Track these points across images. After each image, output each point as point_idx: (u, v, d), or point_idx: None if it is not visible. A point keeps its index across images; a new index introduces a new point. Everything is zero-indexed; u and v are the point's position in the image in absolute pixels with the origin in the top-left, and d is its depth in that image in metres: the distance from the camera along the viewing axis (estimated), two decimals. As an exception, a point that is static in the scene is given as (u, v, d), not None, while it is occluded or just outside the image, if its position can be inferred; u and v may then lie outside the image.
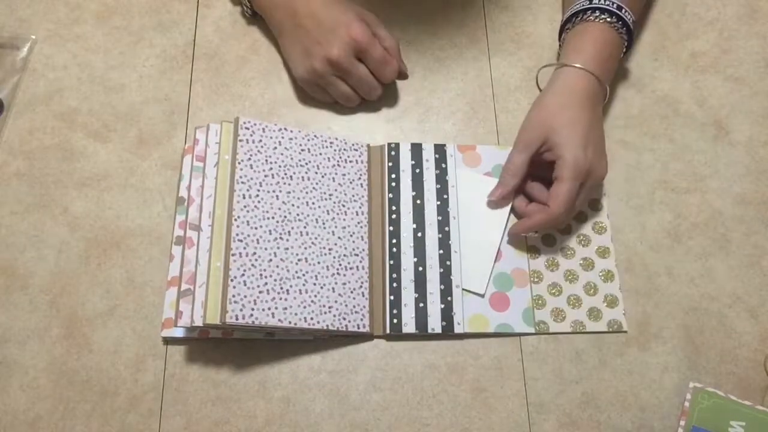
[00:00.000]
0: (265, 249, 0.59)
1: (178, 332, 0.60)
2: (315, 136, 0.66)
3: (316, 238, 0.61)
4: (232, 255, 0.58)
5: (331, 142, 0.66)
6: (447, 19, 0.75)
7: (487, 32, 0.75)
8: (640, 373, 0.62)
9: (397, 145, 0.68)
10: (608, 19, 0.63)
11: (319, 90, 0.69)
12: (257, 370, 0.61)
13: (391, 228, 0.64)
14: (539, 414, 0.60)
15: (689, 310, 0.64)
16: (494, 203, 0.66)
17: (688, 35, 0.75)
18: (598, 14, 0.64)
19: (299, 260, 0.60)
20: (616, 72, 0.72)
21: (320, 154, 0.65)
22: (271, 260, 0.59)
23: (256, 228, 0.60)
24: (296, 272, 0.59)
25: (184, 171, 0.66)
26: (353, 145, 0.67)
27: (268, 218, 0.61)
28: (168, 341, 0.61)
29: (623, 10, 0.64)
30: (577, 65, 0.63)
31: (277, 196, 0.62)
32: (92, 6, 0.75)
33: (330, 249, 0.62)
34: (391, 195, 0.66)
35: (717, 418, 0.58)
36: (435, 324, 0.61)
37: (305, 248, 0.61)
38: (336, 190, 0.64)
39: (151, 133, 0.69)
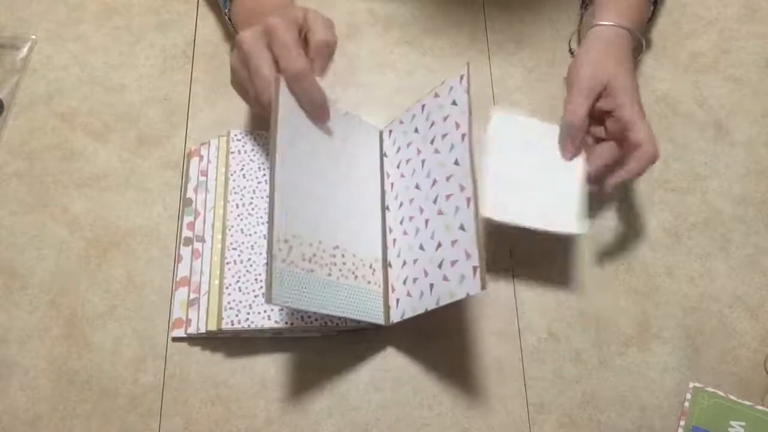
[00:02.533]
0: (260, 254, 0.60)
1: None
2: None
3: None
4: (227, 263, 0.60)
5: None
6: (447, 19, 0.75)
7: (487, 32, 0.75)
8: (640, 373, 0.62)
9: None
10: None
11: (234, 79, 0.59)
12: (257, 370, 0.61)
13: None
14: (539, 414, 0.60)
15: (689, 310, 0.64)
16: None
17: (688, 35, 0.75)
18: None
19: None
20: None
21: None
22: (266, 264, 0.60)
23: (250, 235, 0.61)
24: None
25: (191, 173, 0.66)
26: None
27: (263, 223, 0.62)
28: (177, 341, 0.61)
29: None
30: (621, 25, 0.64)
31: None
32: (92, 6, 0.75)
33: None
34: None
35: (717, 418, 0.58)
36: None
37: None
38: None
39: (151, 133, 0.69)
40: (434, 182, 0.59)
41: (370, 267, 0.60)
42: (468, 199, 0.54)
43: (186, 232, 0.64)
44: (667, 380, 0.61)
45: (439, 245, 0.56)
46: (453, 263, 0.54)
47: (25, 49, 0.72)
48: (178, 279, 0.63)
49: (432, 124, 0.61)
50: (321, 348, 0.62)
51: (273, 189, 0.53)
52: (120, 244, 0.65)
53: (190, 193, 0.66)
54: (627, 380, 0.61)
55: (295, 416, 0.59)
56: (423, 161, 0.61)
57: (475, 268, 0.51)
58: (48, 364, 0.60)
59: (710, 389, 0.60)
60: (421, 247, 0.58)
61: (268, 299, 0.50)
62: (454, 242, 0.54)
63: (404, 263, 0.60)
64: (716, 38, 0.75)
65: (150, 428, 0.59)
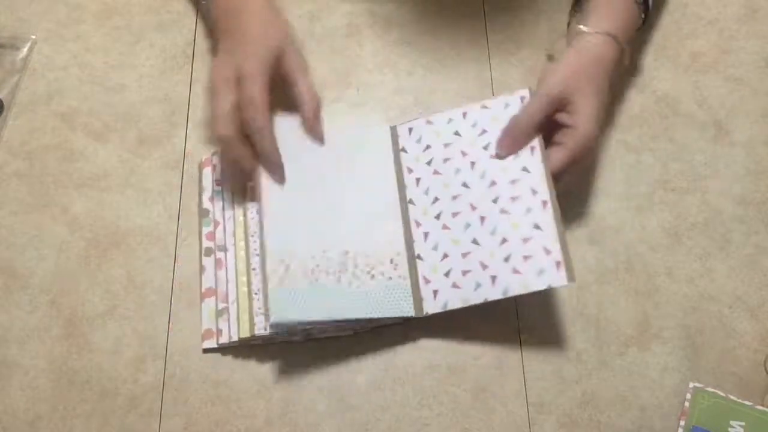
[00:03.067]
0: None
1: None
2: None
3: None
4: (253, 269, 0.60)
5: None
6: (447, 19, 0.75)
7: (487, 32, 0.75)
8: (640, 373, 0.62)
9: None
10: None
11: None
12: (257, 370, 0.61)
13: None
14: (539, 414, 0.60)
15: (689, 310, 0.64)
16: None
17: (688, 35, 0.75)
18: None
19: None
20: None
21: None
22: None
23: None
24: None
25: (205, 183, 0.66)
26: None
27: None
28: (209, 352, 0.61)
29: None
30: (608, 32, 0.62)
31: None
32: (92, 6, 0.75)
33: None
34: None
35: (717, 418, 0.58)
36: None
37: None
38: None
39: (151, 133, 0.69)
40: (492, 183, 0.61)
41: (391, 262, 0.61)
42: (544, 202, 0.59)
43: (206, 243, 0.64)
44: (667, 380, 0.61)
45: (504, 240, 0.59)
46: (526, 258, 0.57)
47: (25, 49, 0.72)
48: (203, 290, 0.62)
49: (483, 132, 0.63)
50: (321, 348, 0.62)
51: (261, 217, 0.59)
52: (120, 244, 0.65)
53: (206, 204, 0.65)
54: (627, 380, 0.61)
55: (295, 416, 0.59)
56: (473, 163, 0.63)
57: (558, 263, 0.56)
58: (48, 364, 0.60)
59: (710, 389, 0.60)
60: (475, 242, 0.60)
61: (267, 319, 0.56)
62: (526, 240, 0.58)
63: (445, 256, 0.61)
64: (716, 38, 0.75)
65: (150, 428, 0.59)
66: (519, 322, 0.63)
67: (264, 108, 0.59)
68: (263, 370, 0.61)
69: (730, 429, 0.58)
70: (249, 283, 0.59)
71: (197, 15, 0.75)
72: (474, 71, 0.73)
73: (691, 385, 0.60)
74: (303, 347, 0.61)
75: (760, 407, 0.59)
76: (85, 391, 0.60)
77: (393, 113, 0.70)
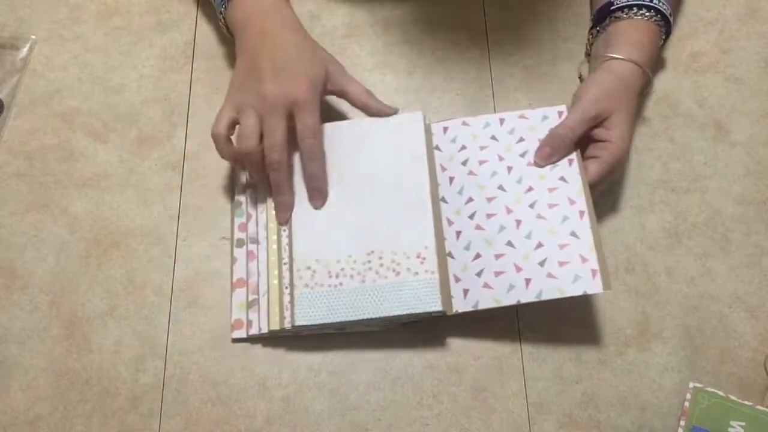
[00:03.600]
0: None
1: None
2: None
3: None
4: (284, 263, 0.60)
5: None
6: (447, 20, 0.75)
7: (487, 32, 0.75)
8: (640, 373, 0.62)
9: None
10: (654, 17, 0.65)
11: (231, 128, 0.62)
12: (257, 370, 0.61)
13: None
14: (539, 414, 0.60)
15: (689, 310, 0.64)
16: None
17: (688, 35, 0.75)
18: (644, 11, 0.65)
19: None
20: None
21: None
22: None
23: None
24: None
25: (238, 176, 0.66)
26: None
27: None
28: (238, 342, 0.62)
29: (662, 3, 0.65)
30: (635, 61, 0.64)
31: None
32: (92, 6, 0.75)
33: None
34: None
35: (717, 418, 0.58)
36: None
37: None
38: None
39: (151, 133, 0.69)
40: (529, 189, 0.62)
41: (418, 257, 0.60)
42: (581, 212, 0.60)
43: (238, 234, 0.64)
44: (667, 380, 0.61)
45: (540, 245, 0.59)
46: (561, 264, 0.58)
47: (25, 49, 0.72)
48: (234, 280, 0.63)
49: (520, 140, 0.64)
50: (321, 348, 0.62)
51: (290, 221, 0.62)
52: (120, 244, 0.65)
53: (238, 195, 0.66)
54: (627, 380, 0.61)
55: (295, 416, 0.59)
56: (509, 168, 0.63)
57: (594, 271, 0.57)
58: (48, 364, 0.60)
59: (710, 389, 0.60)
60: (510, 244, 0.60)
61: (293, 321, 0.58)
62: (562, 246, 0.59)
63: (477, 256, 0.60)
64: (716, 38, 0.75)
65: (150, 428, 0.59)
66: (519, 322, 0.63)
67: (320, 135, 0.62)
68: (263, 370, 0.61)
69: (730, 429, 0.58)
70: (280, 277, 0.60)
71: (197, 15, 0.75)
72: (474, 71, 0.73)
73: (691, 385, 0.60)
74: (303, 348, 0.61)
75: (760, 407, 0.59)
76: (85, 391, 0.60)
77: (393, 113, 0.70)
